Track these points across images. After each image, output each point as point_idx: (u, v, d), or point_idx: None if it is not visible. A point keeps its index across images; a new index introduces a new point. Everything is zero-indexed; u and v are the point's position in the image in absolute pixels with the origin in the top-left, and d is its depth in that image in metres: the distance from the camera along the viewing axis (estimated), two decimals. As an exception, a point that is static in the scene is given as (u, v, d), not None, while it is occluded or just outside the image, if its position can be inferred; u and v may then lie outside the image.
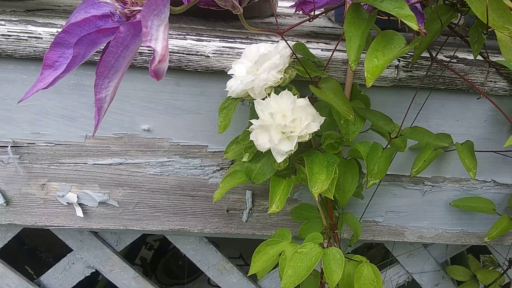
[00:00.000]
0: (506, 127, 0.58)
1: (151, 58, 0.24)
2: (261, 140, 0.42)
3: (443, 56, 0.54)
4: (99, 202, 0.60)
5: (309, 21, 0.42)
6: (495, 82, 0.54)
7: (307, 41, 0.55)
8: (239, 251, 1.35)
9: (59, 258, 0.76)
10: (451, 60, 0.53)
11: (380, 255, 1.24)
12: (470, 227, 0.67)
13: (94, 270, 0.76)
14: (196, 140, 0.57)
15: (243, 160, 0.47)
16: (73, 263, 0.75)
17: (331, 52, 0.51)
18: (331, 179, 0.42)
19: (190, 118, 0.55)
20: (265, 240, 0.50)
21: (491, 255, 0.84)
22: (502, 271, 0.68)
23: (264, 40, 0.55)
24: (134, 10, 0.25)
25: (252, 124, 0.43)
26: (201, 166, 0.59)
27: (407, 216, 0.65)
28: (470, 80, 0.53)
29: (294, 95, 0.45)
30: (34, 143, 0.56)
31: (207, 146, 0.57)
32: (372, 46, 0.37)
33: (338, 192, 0.47)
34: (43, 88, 0.28)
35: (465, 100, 0.56)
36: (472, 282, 0.74)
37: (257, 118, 0.45)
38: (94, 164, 0.57)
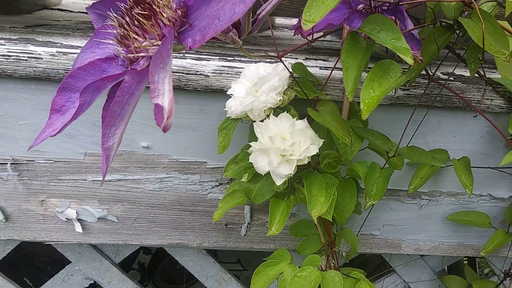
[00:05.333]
0: (502, 143, 0.59)
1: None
2: (261, 163, 0.43)
3: (440, 73, 0.55)
4: (98, 218, 0.60)
5: (308, 45, 0.42)
6: (491, 99, 0.54)
7: (306, 58, 0.55)
8: (237, 256, 1.36)
9: (57, 264, 0.75)
10: (449, 78, 0.54)
11: (377, 258, 1.25)
12: (466, 240, 0.67)
13: (92, 282, 0.77)
14: (195, 156, 0.57)
15: (242, 180, 0.47)
16: (72, 275, 0.76)
17: (329, 71, 0.51)
18: (330, 201, 0.42)
19: (189, 135, 0.56)
20: (263, 251, 0.51)
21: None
22: (498, 282, 0.69)
23: (263, 55, 0.55)
24: (138, 55, 0.25)
25: (251, 145, 0.44)
26: (200, 182, 0.59)
27: (404, 229, 0.66)
28: (467, 98, 0.53)
29: (293, 116, 0.46)
30: (33, 160, 0.56)
31: (206, 162, 0.58)
32: (369, 77, 0.37)
33: (336, 212, 0.48)
34: (52, 136, 0.28)
35: (462, 117, 0.57)
36: (468, 292, 0.75)
37: (256, 139, 0.45)
38: (93, 180, 0.58)
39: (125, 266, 0.80)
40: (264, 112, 0.45)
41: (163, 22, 0.26)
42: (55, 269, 0.80)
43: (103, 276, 0.75)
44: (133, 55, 0.26)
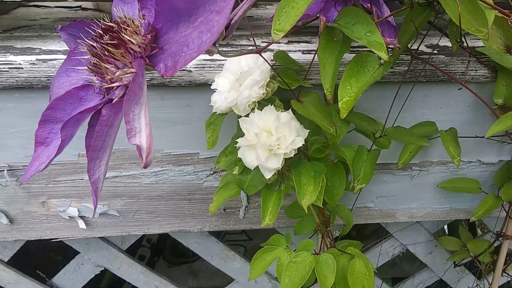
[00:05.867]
0: (488, 110, 0.59)
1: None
2: (249, 158, 0.44)
3: (425, 46, 0.55)
4: (99, 214, 0.62)
5: (286, 37, 0.42)
6: (476, 70, 0.54)
7: (288, 41, 0.54)
8: (241, 227, 1.40)
9: (68, 251, 0.78)
10: (433, 52, 0.53)
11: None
12: (458, 204, 0.69)
13: (103, 268, 0.80)
14: (187, 148, 0.58)
15: (233, 173, 0.49)
16: (82, 264, 0.79)
17: (312, 55, 0.51)
18: (319, 189, 0.44)
19: (178, 128, 0.56)
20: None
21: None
22: (491, 242, 0.71)
23: (245, 45, 0.55)
24: (112, 85, 0.26)
25: (238, 141, 0.45)
26: (194, 172, 0.60)
27: (397, 199, 0.67)
28: (451, 72, 0.53)
29: (277, 107, 0.46)
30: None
31: (199, 153, 0.59)
32: (346, 73, 0.37)
33: (327, 195, 0.49)
34: (40, 171, 0.28)
35: (447, 89, 0.57)
36: (463, 251, 0.78)
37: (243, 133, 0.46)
38: (90, 179, 0.59)
39: (134, 244, 0.83)
40: (248, 106, 0.45)
41: (133, 50, 0.26)
42: (66, 256, 0.83)
43: (112, 263, 0.78)
44: (108, 85, 0.26)
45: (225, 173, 0.55)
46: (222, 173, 0.61)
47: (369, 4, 0.38)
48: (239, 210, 0.65)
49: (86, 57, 0.29)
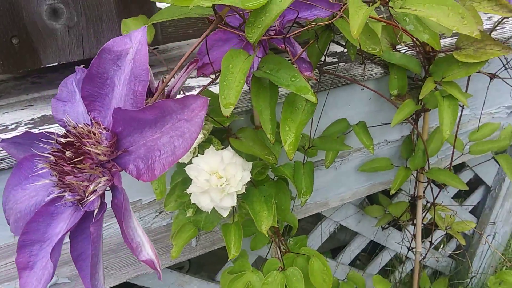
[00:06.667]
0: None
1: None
2: (204, 202, 0.46)
3: (327, 56, 0.61)
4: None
5: (213, 83, 0.45)
6: (372, 69, 0.62)
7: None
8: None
9: None
10: (336, 61, 0.60)
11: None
12: (377, 179, 0.79)
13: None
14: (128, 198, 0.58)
15: (187, 215, 0.50)
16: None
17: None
18: (273, 213, 0.48)
19: (117, 182, 0.56)
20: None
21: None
22: (408, 204, 0.83)
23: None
24: (88, 199, 0.26)
25: (189, 190, 0.46)
26: (140, 218, 0.60)
27: (327, 189, 0.75)
28: (352, 76, 0.61)
29: (215, 144, 0.49)
30: (-42, 262, 0.52)
31: (141, 199, 0.59)
32: (282, 116, 0.41)
33: (277, 212, 0.54)
34: None
35: (351, 89, 0.64)
36: (386, 215, 0.89)
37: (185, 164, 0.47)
38: (33, 255, 0.56)
39: None
40: (190, 152, 0.47)
41: (100, 160, 0.27)
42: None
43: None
44: (84, 199, 0.27)
45: (175, 213, 0.57)
46: (170, 213, 0.62)
47: (283, 45, 0.42)
48: (191, 240, 0.67)
49: (44, 171, 0.28)
